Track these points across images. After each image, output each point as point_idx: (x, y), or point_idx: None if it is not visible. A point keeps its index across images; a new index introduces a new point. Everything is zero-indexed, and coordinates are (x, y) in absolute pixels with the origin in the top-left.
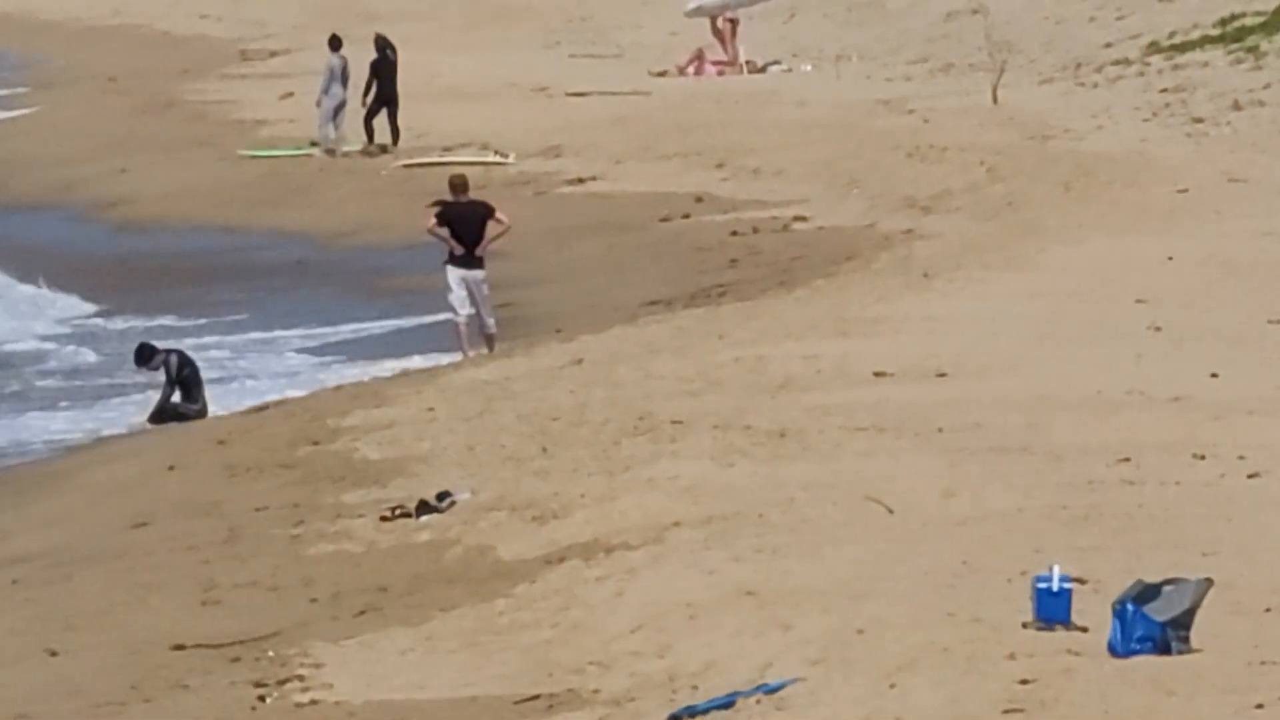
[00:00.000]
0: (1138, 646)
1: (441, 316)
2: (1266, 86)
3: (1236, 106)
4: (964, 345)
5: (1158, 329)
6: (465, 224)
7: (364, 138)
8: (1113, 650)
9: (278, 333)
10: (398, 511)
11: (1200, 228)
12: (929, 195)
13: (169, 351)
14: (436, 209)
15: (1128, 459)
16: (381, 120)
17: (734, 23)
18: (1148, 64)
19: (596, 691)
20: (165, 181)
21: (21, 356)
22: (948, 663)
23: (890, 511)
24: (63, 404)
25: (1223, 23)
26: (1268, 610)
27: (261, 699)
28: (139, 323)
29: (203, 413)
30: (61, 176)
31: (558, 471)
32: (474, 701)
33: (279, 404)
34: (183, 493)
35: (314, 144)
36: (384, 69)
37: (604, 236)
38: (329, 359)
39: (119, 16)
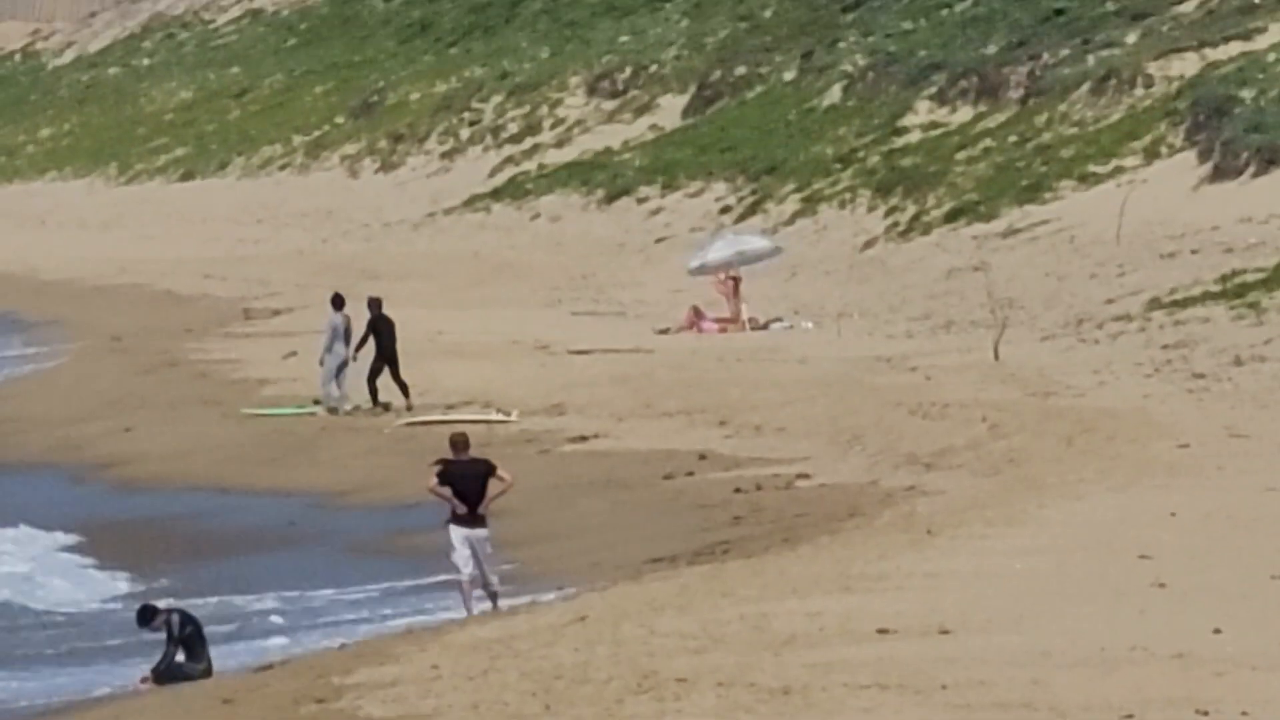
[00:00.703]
0: None
1: (442, 576)
2: (1268, 342)
3: (1238, 362)
4: (967, 601)
5: (1161, 585)
6: (467, 482)
7: (368, 397)
8: None
9: (277, 592)
10: None
11: (1202, 483)
12: (931, 452)
13: (170, 611)
14: (438, 468)
15: (1131, 716)
16: (384, 380)
17: (736, 280)
18: (1149, 320)
19: None
20: (169, 440)
21: (13, 611)
22: None
23: None
24: (60, 662)
25: (1224, 279)
26: None
27: None
28: (140, 585)
29: (207, 672)
30: (65, 436)
31: None
32: None
33: (283, 663)
34: None
35: (317, 402)
36: (382, 327)
37: (607, 494)
38: (331, 618)
39: (124, 275)
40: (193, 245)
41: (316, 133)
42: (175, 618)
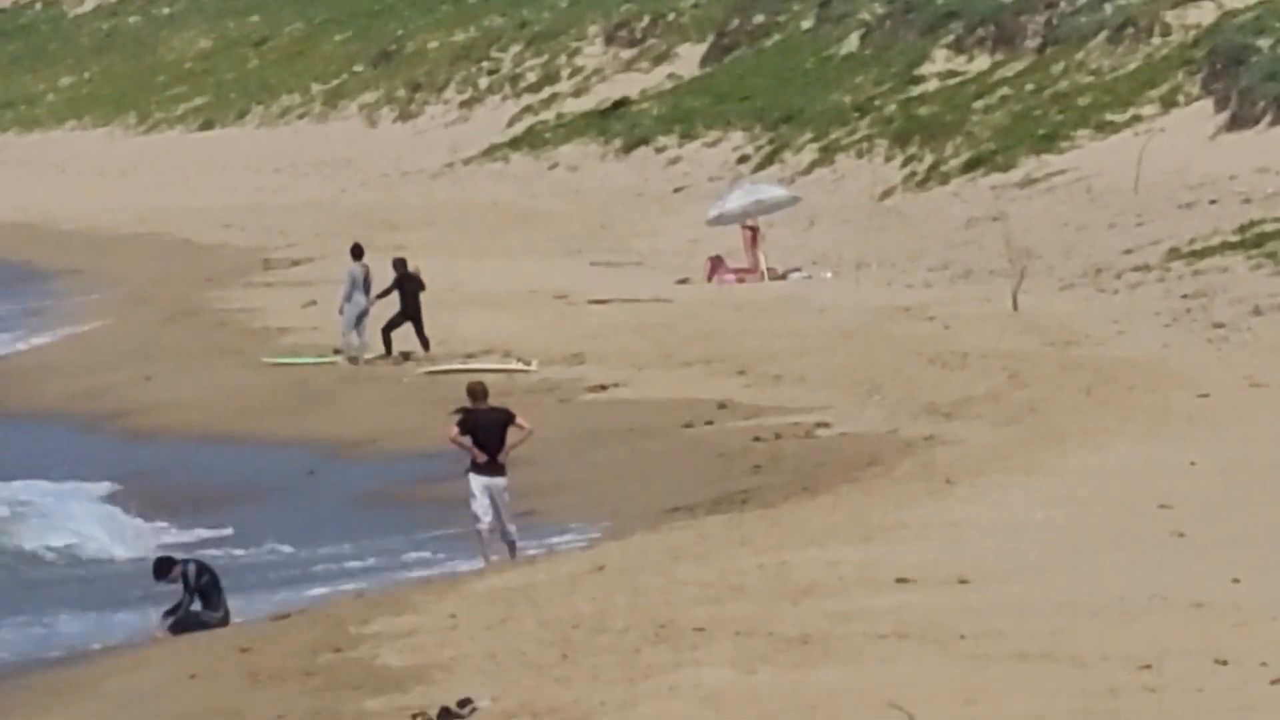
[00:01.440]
0: None
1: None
2: None
3: (1257, 311)
4: (986, 551)
5: (1180, 534)
6: (487, 431)
7: (381, 347)
8: None
9: (295, 540)
10: (419, 719)
11: (1222, 433)
12: (950, 401)
13: (186, 561)
14: (459, 416)
15: (1149, 666)
16: (401, 331)
17: (755, 230)
18: (1168, 270)
19: None
20: (189, 389)
21: (31, 559)
22: None
23: (912, 718)
24: (78, 610)
25: (1242, 229)
26: None
27: None
28: (157, 534)
29: (225, 620)
30: (86, 385)
31: (579, 678)
32: None
33: (301, 612)
34: (204, 702)
35: (337, 351)
36: (408, 285)
37: (627, 443)
38: (349, 566)
39: (143, 224)
40: (212, 194)
41: (335, 81)
42: (191, 567)
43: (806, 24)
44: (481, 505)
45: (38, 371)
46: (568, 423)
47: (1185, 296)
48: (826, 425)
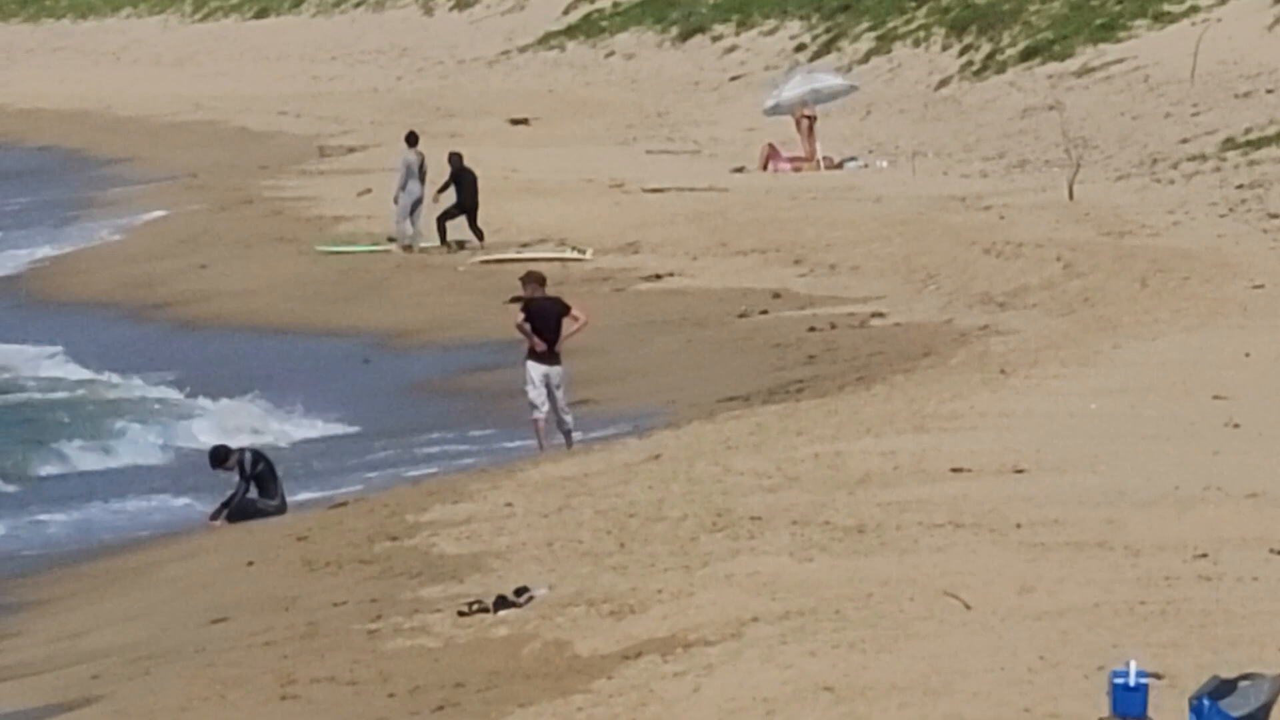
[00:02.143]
0: None
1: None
2: None
3: None
4: (1041, 441)
5: (1235, 425)
6: (544, 319)
7: (437, 237)
8: None
9: (352, 429)
10: (475, 607)
11: (1276, 323)
12: (1005, 291)
13: (242, 450)
14: (520, 304)
15: (1205, 555)
16: (456, 223)
17: (811, 119)
18: (1224, 160)
19: None
20: (244, 277)
21: (105, 448)
22: None
23: (967, 607)
24: (147, 498)
25: None
26: None
27: None
28: (220, 425)
29: (281, 508)
30: (142, 272)
31: (635, 567)
32: None
33: (358, 500)
34: (261, 588)
35: (391, 240)
36: (465, 179)
37: (682, 333)
38: (405, 455)
39: (198, 112)
40: (267, 82)
41: None
42: (248, 455)
43: None
44: (538, 394)
45: (93, 260)
46: (623, 312)
47: (1240, 186)
48: (881, 315)
